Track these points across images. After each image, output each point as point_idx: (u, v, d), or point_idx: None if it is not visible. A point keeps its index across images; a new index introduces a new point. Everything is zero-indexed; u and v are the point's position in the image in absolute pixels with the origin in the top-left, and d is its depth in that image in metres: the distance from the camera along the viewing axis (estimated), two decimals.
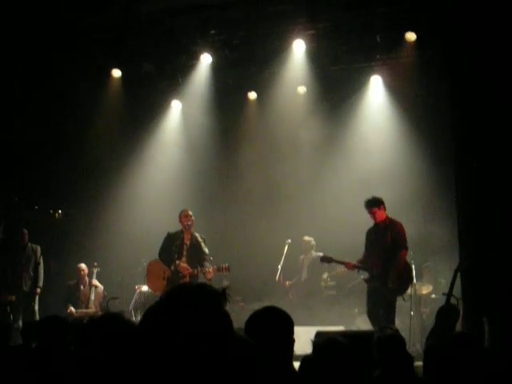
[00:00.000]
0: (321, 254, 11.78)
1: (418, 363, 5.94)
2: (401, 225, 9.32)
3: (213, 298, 1.83)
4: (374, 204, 9.34)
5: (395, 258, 9.13)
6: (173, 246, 10.07)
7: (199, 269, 9.91)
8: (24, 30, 11.12)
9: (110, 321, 2.43)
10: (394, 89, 12.35)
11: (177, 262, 9.99)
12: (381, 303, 9.13)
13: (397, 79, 12.08)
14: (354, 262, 9.57)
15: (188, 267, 9.95)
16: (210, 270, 9.81)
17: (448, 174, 10.21)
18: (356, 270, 9.71)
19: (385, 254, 9.20)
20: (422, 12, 10.66)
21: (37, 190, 12.98)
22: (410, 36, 11.13)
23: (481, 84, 9.22)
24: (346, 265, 9.64)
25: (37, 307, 11.21)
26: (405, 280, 9.17)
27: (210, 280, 9.77)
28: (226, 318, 1.83)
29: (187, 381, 1.73)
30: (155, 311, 1.83)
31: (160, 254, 10.21)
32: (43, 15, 10.88)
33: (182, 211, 10.34)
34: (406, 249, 9.22)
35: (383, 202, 9.40)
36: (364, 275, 9.47)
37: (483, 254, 8.68)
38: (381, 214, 9.35)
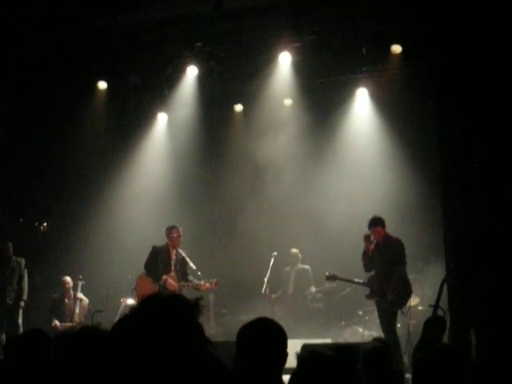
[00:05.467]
0: (307, 266, 11.82)
1: (407, 375, 5.92)
2: (399, 240, 9.49)
3: (185, 309, 1.81)
4: (378, 223, 9.56)
5: (394, 272, 9.32)
6: (161, 260, 10.06)
7: (190, 284, 10.05)
8: (10, 42, 11.08)
9: (85, 334, 2.40)
10: (380, 101, 12.39)
11: (164, 277, 9.98)
12: (382, 316, 9.45)
13: (383, 91, 12.12)
14: (358, 279, 9.91)
15: (175, 283, 9.99)
16: (206, 285, 9.97)
17: (434, 186, 10.24)
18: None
19: (384, 270, 9.43)
20: (407, 25, 10.72)
21: (21, 203, 12.89)
22: (396, 48, 11.18)
23: (466, 96, 9.27)
24: (352, 283, 10.02)
25: (20, 320, 11.08)
26: (404, 294, 9.30)
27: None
28: (198, 329, 1.81)
29: None
30: (127, 321, 1.81)
31: (147, 268, 10.14)
32: (29, 28, 10.83)
33: (173, 228, 10.30)
34: (405, 264, 9.39)
35: (383, 220, 9.57)
36: (366, 291, 9.73)
37: (469, 265, 8.71)
38: (382, 232, 9.56)
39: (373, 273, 9.65)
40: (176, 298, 1.86)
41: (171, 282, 9.98)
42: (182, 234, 10.30)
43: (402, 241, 9.51)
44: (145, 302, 1.85)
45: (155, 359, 1.73)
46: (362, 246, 9.74)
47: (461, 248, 9.02)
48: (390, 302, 9.27)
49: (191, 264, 10.20)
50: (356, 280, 9.97)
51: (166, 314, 1.79)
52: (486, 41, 9.10)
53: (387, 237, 9.60)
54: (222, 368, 2.62)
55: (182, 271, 10.26)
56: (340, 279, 10.25)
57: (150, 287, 9.89)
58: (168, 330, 1.76)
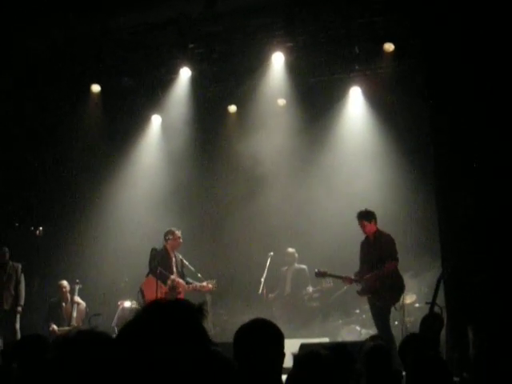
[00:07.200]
0: (303, 266, 11.81)
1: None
2: (390, 237, 9.45)
3: (189, 314, 1.82)
4: (363, 217, 9.51)
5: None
6: (161, 262, 10.08)
7: (192, 286, 10.23)
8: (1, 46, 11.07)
9: (82, 338, 2.40)
10: (373, 99, 12.40)
11: (172, 277, 10.07)
12: (375, 313, 9.42)
13: (376, 90, 12.13)
14: (349, 275, 9.72)
15: (183, 284, 10.14)
16: (209, 286, 10.19)
17: (428, 183, 10.26)
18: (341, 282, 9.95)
19: (376, 266, 9.35)
20: (399, 23, 10.74)
21: (16, 208, 12.87)
22: (389, 47, 11.19)
23: (459, 94, 9.29)
24: (343, 279, 9.84)
25: (18, 326, 11.05)
26: (396, 290, 9.26)
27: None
28: (203, 334, 1.82)
29: None
30: (132, 326, 1.81)
31: (154, 271, 10.09)
32: (19, 32, 10.81)
33: (174, 231, 10.41)
34: (396, 260, 9.33)
35: (374, 215, 9.54)
36: (358, 287, 9.61)
37: (465, 261, 8.74)
38: (371, 227, 9.52)
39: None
40: (180, 303, 1.87)
41: (179, 281, 10.12)
42: (181, 236, 10.42)
43: (392, 236, 9.49)
44: (149, 308, 1.86)
45: (164, 363, 1.73)
46: (356, 245, 9.76)
47: (456, 245, 9.04)
48: (383, 298, 9.23)
49: (190, 266, 10.32)
50: (349, 277, 9.85)
51: (172, 319, 1.79)
52: (479, 38, 9.12)
53: (377, 232, 9.55)
54: (231, 366, 2.64)
55: (182, 273, 10.40)
56: (330, 275, 10.10)
57: (159, 290, 9.89)
58: (174, 334, 1.76)
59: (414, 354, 4.05)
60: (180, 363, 1.74)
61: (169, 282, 10.01)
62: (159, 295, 9.73)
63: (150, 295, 10.01)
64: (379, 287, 9.23)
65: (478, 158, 9.03)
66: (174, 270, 10.28)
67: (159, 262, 10.04)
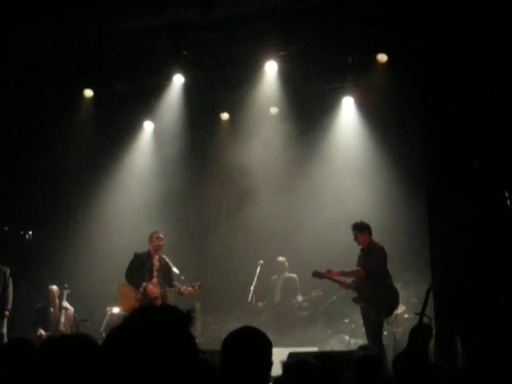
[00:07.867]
0: (293, 274, 11.80)
1: None
2: (381, 249, 9.51)
3: (177, 320, 1.80)
4: (356, 228, 9.63)
5: (380, 279, 9.33)
6: (143, 267, 10.07)
7: (173, 289, 10.07)
8: None
9: (65, 342, 2.38)
10: (366, 109, 12.43)
11: (144, 284, 9.98)
12: (367, 324, 9.46)
13: (368, 100, 12.16)
14: (347, 281, 9.74)
15: (156, 290, 9.98)
16: (189, 288, 9.97)
17: (420, 194, 10.27)
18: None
19: (369, 275, 9.40)
20: (393, 33, 10.76)
21: (6, 212, 12.81)
22: (382, 57, 11.23)
23: (451, 105, 9.32)
24: (341, 284, 9.80)
25: (5, 330, 10.96)
26: (390, 303, 9.27)
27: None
28: (190, 340, 1.80)
29: None
30: (118, 332, 1.79)
31: (127, 276, 10.15)
32: (13, 34, 10.78)
33: (153, 233, 10.39)
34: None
35: (368, 227, 9.63)
36: (353, 295, 9.65)
37: (455, 272, 8.75)
38: (364, 239, 9.62)
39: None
40: (168, 309, 1.85)
41: (152, 288, 9.98)
42: (162, 237, 10.36)
43: (385, 249, 9.52)
44: (137, 314, 1.84)
45: (151, 370, 1.72)
46: (347, 256, 9.79)
47: (446, 256, 9.05)
48: (375, 310, 9.25)
49: (174, 269, 10.25)
50: (347, 282, 9.80)
51: (160, 325, 1.78)
52: (472, 49, 9.16)
53: (372, 244, 9.62)
54: (217, 373, 2.62)
55: (167, 277, 10.25)
56: (328, 278, 9.99)
57: (131, 295, 9.88)
58: (162, 341, 1.75)
59: (404, 365, 4.04)
60: (166, 370, 1.72)
61: (141, 289, 9.95)
62: (133, 302, 9.72)
63: (122, 301, 10.12)
64: (373, 297, 9.25)
65: (477, 160, 9.06)
66: (155, 274, 10.19)
67: (139, 266, 10.06)
